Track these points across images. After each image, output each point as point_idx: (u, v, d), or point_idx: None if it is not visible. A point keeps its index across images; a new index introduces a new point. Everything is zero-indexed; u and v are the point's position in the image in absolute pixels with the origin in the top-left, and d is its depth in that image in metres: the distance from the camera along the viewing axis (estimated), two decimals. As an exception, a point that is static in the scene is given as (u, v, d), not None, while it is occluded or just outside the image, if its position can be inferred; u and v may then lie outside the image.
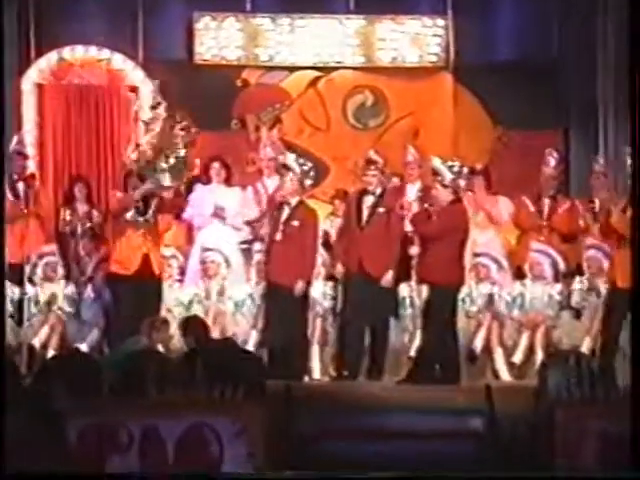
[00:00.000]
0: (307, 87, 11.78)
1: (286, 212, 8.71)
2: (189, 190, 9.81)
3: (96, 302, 9.20)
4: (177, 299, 9.23)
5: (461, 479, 6.39)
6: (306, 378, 8.68)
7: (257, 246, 9.45)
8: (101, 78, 11.03)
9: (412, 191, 9.46)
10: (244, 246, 9.72)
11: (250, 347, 8.76)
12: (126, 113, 10.95)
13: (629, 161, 8.45)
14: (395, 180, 9.59)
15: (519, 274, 9.42)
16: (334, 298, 9.05)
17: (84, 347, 8.84)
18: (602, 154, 10.79)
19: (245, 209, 9.77)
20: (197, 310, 9.01)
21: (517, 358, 8.99)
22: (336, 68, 11.75)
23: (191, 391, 6.29)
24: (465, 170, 8.70)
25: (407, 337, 9.05)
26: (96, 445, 6.21)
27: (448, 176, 8.44)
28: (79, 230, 9.84)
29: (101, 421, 6.23)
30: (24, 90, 10.78)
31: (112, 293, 8.90)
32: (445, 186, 8.43)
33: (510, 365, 8.97)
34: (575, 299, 9.13)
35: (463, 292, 8.84)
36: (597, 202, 9.55)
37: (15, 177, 9.61)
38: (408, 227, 8.89)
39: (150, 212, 8.85)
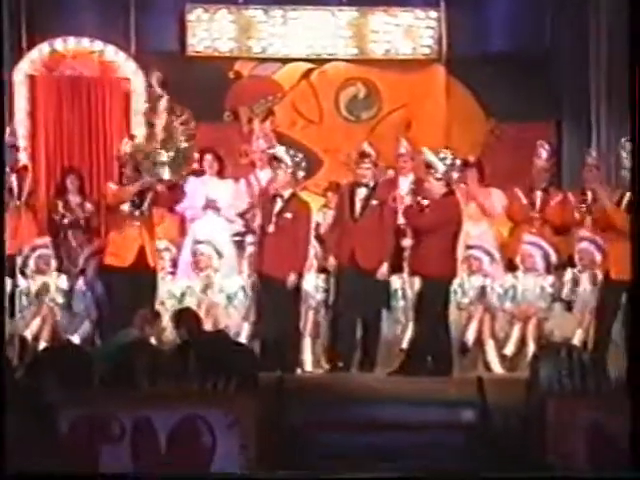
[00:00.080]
0: (300, 79, 11.77)
1: (279, 204, 8.71)
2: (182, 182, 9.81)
3: (88, 294, 9.19)
4: (169, 291, 9.23)
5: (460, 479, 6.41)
6: (298, 370, 8.68)
7: (250, 238, 9.45)
8: (93, 70, 11.00)
9: (405, 183, 9.46)
10: (237, 238, 9.72)
11: (242, 339, 8.76)
12: (118, 104, 10.93)
13: (624, 155, 8.47)
14: (390, 172, 9.60)
15: (511, 266, 9.43)
16: (326, 290, 9.06)
17: (76, 339, 8.84)
18: (595, 146, 10.80)
19: (238, 201, 9.77)
20: (189, 302, 9.01)
21: (509, 350, 9.01)
22: (329, 60, 11.73)
23: (184, 383, 6.29)
24: (458, 162, 8.70)
25: (399, 329, 9.05)
26: (88, 437, 6.21)
27: (441, 168, 8.44)
28: (71, 222, 9.83)
29: (93, 413, 6.23)
30: (15, 81, 10.74)
31: (107, 285, 8.89)
32: (438, 178, 8.43)
33: (502, 357, 8.98)
34: (567, 291, 9.14)
35: (455, 284, 8.85)
36: (589, 194, 9.56)
37: (7, 169, 9.58)
38: (401, 219, 8.89)
39: (145, 205, 8.84)
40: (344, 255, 8.65)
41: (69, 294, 9.22)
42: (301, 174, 8.98)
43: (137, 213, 8.80)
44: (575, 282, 9.12)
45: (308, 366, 8.86)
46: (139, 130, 10.36)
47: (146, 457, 6.23)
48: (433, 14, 11.66)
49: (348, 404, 7.50)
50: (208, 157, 9.90)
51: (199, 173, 9.90)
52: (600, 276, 8.81)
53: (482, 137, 11.58)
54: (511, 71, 11.39)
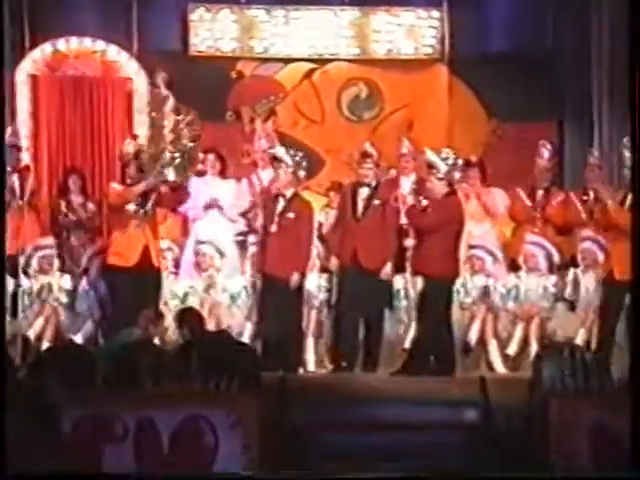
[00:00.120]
0: (302, 79, 11.77)
1: (281, 204, 8.71)
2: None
3: (91, 294, 9.20)
4: (172, 291, 9.23)
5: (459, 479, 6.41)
6: (301, 370, 8.68)
7: (252, 238, 9.46)
8: (95, 69, 11.00)
9: (407, 183, 9.46)
10: (239, 238, 9.72)
11: (245, 339, 8.76)
12: (121, 104, 10.94)
13: (626, 154, 8.46)
14: (393, 172, 9.61)
15: (514, 266, 9.43)
16: (329, 290, 9.06)
17: (79, 339, 8.85)
18: (597, 146, 10.80)
19: (240, 201, 9.77)
20: (192, 302, 9.01)
21: (511, 350, 9.01)
22: (331, 60, 11.74)
23: (186, 383, 6.30)
24: (460, 162, 8.70)
25: (402, 329, 9.05)
26: (91, 437, 6.21)
27: (443, 168, 8.44)
28: (74, 222, 9.84)
29: (96, 413, 6.23)
30: (18, 81, 10.74)
31: (111, 285, 8.89)
32: (440, 178, 8.43)
33: (504, 357, 8.99)
34: (569, 291, 9.13)
35: (458, 284, 8.85)
36: (592, 194, 9.56)
37: (9, 169, 9.59)
38: (403, 219, 8.89)
39: (149, 204, 8.84)
40: (346, 255, 8.65)
41: (72, 294, 9.23)
42: (302, 173, 8.98)
43: (141, 213, 8.81)
44: (578, 282, 9.11)
45: (311, 366, 8.87)
46: (142, 130, 10.39)
47: (149, 457, 6.23)
48: (435, 14, 11.66)
49: (351, 404, 7.50)
50: (210, 157, 9.91)
51: (201, 173, 9.91)
52: (603, 276, 8.82)
53: (484, 137, 11.58)
54: (513, 71, 11.39)
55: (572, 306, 9.13)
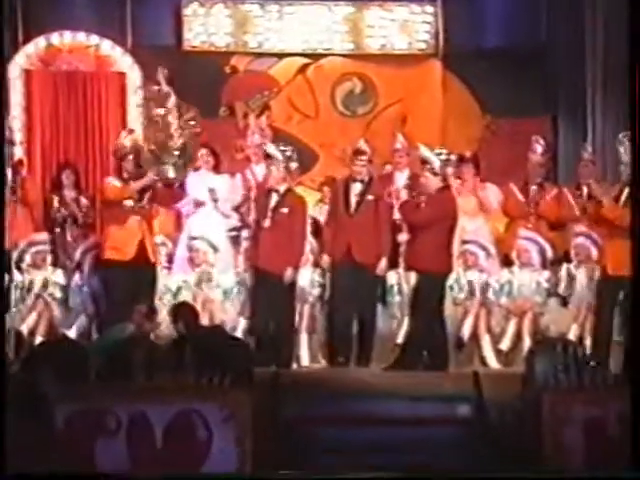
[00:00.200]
0: (296, 74, 11.76)
1: (274, 199, 8.70)
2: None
3: (85, 289, 9.19)
4: (165, 286, 9.22)
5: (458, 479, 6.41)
6: (294, 365, 8.68)
7: (246, 233, 9.45)
8: (89, 64, 10.99)
9: (401, 179, 9.46)
10: (233, 233, 9.71)
11: (238, 334, 8.75)
12: (114, 99, 10.92)
13: (622, 150, 8.46)
14: (388, 168, 9.62)
15: (507, 261, 9.43)
16: (322, 285, 9.05)
17: (72, 334, 8.83)
18: (590, 141, 10.80)
19: (233, 196, 9.77)
20: (185, 297, 9.00)
21: (504, 345, 9.01)
22: (325, 55, 11.73)
23: (179, 377, 6.30)
24: (453, 157, 8.71)
25: (395, 324, 9.05)
26: (84, 431, 6.21)
27: (437, 163, 8.44)
28: (67, 217, 9.83)
29: (89, 407, 6.24)
30: (11, 76, 10.73)
31: (106, 280, 8.88)
32: (434, 173, 8.43)
33: (498, 352, 8.99)
34: (562, 286, 9.14)
35: (451, 279, 8.85)
36: (585, 190, 9.57)
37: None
38: (397, 214, 8.89)
39: (145, 199, 8.84)
40: (340, 250, 8.64)
41: (65, 289, 9.21)
42: (293, 166, 8.97)
43: (137, 207, 8.80)
44: (571, 277, 9.12)
45: (304, 361, 8.86)
46: (137, 125, 10.37)
47: (142, 451, 6.23)
48: (429, 9, 11.66)
49: (343, 399, 7.50)
50: (203, 152, 9.90)
51: (196, 168, 9.90)
52: (596, 271, 8.82)
53: (478, 132, 11.58)
54: (507, 66, 11.39)
55: (565, 301, 9.13)
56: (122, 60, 11.00)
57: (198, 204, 9.76)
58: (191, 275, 9.25)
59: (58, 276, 9.26)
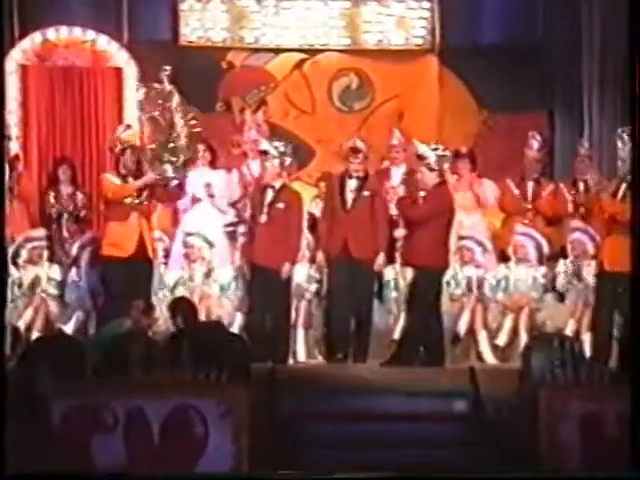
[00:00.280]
0: (292, 69, 11.75)
1: (270, 195, 8.70)
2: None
3: (81, 284, 9.19)
4: (162, 282, 9.21)
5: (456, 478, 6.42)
6: (291, 361, 8.68)
7: (242, 229, 9.44)
8: (86, 59, 10.96)
9: (397, 174, 9.46)
10: (229, 229, 9.71)
11: (235, 330, 8.76)
12: (111, 94, 10.90)
13: (620, 145, 8.47)
14: (386, 163, 9.61)
15: (503, 257, 9.44)
16: (319, 281, 9.05)
17: (69, 329, 8.83)
18: (587, 137, 10.81)
19: (230, 192, 9.76)
20: (182, 293, 8.99)
21: (501, 341, 9.02)
22: (321, 50, 11.71)
23: (176, 373, 6.30)
24: (448, 153, 8.71)
25: (391, 320, 9.05)
26: (81, 427, 6.21)
27: (432, 159, 8.43)
28: (63, 212, 9.82)
29: (85, 403, 6.23)
30: (7, 71, 10.70)
31: (105, 276, 8.87)
32: (430, 169, 8.43)
33: (494, 347, 8.99)
34: (559, 282, 9.15)
35: (448, 275, 8.85)
36: (581, 185, 9.58)
37: (-1, 158, 9.56)
38: (393, 210, 8.89)
39: (144, 196, 8.83)
40: (337, 246, 8.64)
41: (62, 284, 9.21)
42: (288, 161, 8.97)
43: (136, 203, 8.79)
44: (567, 273, 9.12)
45: (301, 357, 8.87)
46: (136, 121, 10.34)
47: (139, 446, 6.24)
48: (426, 4, 11.63)
49: (340, 395, 7.51)
50: (200, 147, 9.89)
51: (194, 166, 9.90)
52: (593, 267, 8.83)
53: (475, 128, 11.57)
54: (504, 62, 11.38)
55: (562, 297, 9.14)
56: (118, 55, 10.97)
57: (195, 200, 9.76)
58: (187, 271, 9.25)
59: (54, 272, 9.26)
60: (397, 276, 9.09)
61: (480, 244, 9.32)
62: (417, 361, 8.28)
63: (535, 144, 9.84)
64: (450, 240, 8.67)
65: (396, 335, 8.82)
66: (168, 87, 10.01)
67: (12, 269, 9.15)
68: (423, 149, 8.53)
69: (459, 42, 11.55)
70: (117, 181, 8.88)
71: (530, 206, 9.72)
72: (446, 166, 8.93)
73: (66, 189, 9.93)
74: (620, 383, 6.38)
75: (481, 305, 9.11)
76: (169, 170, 9.08)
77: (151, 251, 8.83)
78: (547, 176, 10.19)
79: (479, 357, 8.96)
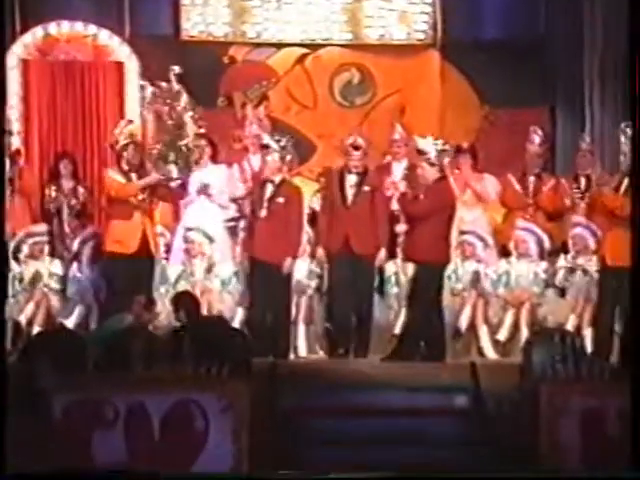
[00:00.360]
0: (294, 64, 11.74)
1: (270, 189, 8.69)
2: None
3: (83, 279, 9.19)
4: (163, 277, 9.20)
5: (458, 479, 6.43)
6: (292, 356, 8.68)
7: (243, 224, 9.44)
8: (87, 54, 10.96)
9: (399, 169, 9.45)
10: (230, 224, 9.70)
11: (236, 325, 8.76)
12: (112, 89, 10.90)
13: (623, 140, 8.46)
14: (388, 158, 9.61)
15: (505, 252, 9.43)
16: (320, 276, 9.05)
17: (70, 324, 8.83)
18: (588, 132, 10.80)
19: (231, 186, 9.76)
20: (183, 287, 8.99)
21: (502, 336, 9.02)
22: (323, 45, 11.71)
23: (177, 367, 6.31)
24: (449, 147, 8.71)
25: (392, 315, 9.05)
26: (81, 421, 6.21)
27: (432, 153, 8.43)
28: (64, 207, 9.82)
29: (87, 397, 6.24)
30: (9, 65, 10.69)
31: (107, 271, 8.87)
32: (431, 164, 8.42)
33: (495, 343, 8.99)
34: (560, 277, 9.14)
35: (449, 270, 8.85)
36: (583, 180, 9.57)
37: (-1, 153, 9.56)
38: (395, 205, 8.88)
39: (146, 193, 8.83)
40: (338, 241, 8.63)
41: (63, 279, 9.21)
42: (289, 157, 8.97)
43: (139, 200, 8.80)
44: (569, 268, 9.12)
45: (302, 352, 8.87)
46: (138, 117, 10.34)
47: (139, 441, 6.24)
48: (428, -1, 11.64)
49: (341, 390, 7.51)
50: (202, 142, 9.89)
51: (197, 164, 9.89)
52: (594, 262, 8.83)
53: (476, 123, 11.57)
54: (506, 57, 11.38)
55: (563, 292, 9.14)
56: (120, 50, 10.97)
57: (196, 194, 9.75)
58: (188, 265, 9.25)
59: (56, 266, 9.26)
60: (398, 271, 9.09)
61: (481, 239, 9.31)
62: (418, 356, 8.28)
63: (537, 139, 9.83)
64: (451, 235, 8.66)
65: (397, 330, 8.81)
66: (176, 87, 10.01)
67: (13, 264, 9.15)
68: (423, 144, 8.52)
69: (461, 37, 11.55)
70: (120, 178, 8.87)
71: (531, 201, 9.71)
72: (447, 161, 8.92)
73: (67, 184, 9.93)
74: (621, 379, 6.38)
75: (482, 300, 9.11)
76: (174, 171, 9.10)
77: (153, 247, 8.84)
78: (548, 171, 10.19)
79: (480, 352, 8.96)
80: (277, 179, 8.72)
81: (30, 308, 9.05)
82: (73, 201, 9.86)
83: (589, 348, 8.12)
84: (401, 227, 8.83)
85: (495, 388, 7.26)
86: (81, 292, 9.15)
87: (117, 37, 11.00)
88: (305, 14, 11.64)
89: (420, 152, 8.52)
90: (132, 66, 10.86)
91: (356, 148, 8.75)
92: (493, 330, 9.04)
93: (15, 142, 10.18)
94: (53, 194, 9.86)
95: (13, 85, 10.71)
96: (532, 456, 6.50)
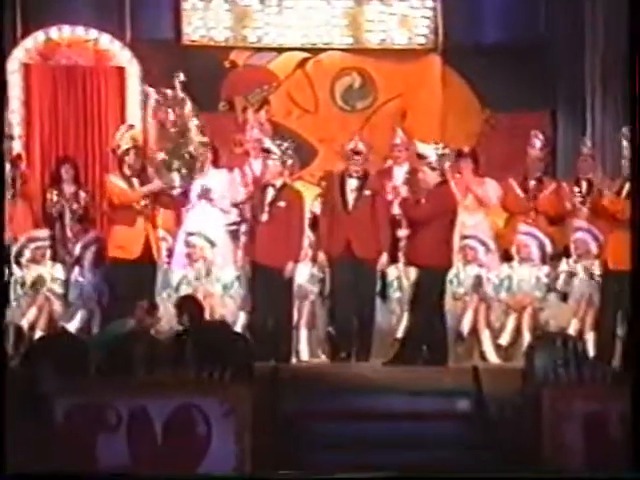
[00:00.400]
0: (295, 68, 11.75)
1: (271, 194, 8.69)
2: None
3: (85, 283, 9.19)
4: (165, 281, 9.21)
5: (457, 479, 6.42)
6: (294, 360, 8.68)
7: (245, 228, 9.44)
8: (88, 58, 10.97)
9: (400, 173, 9.46)
10: (232, 228, 9.71)
11: (238, 329, 8.75)
12: (113, 93, 10.91)
13: (625, 144, 8.46)
14: (390, 162, 9.61)
15: (506, 256, 9.43)
16: (322, 280, 9.05)
17: (72, 328, 8.83)
18: (589, 136, 10.80)
19: (232, 191, 9.76)
20: (185, 292, 8.99)
21: (504, 340, 9.01)
22: (324, 49, 11.72)
23: (180, 372, 6.30)
24: (449, 152, 8.72)
25: (394, 319, 9.05)
26: (84, 426, 6.21)
27: (433, 157, 8.43)
28: (66, 211, 9.83)
29: (89, 401, 6.24)
30: (10, 70, 10.71)
31: (110, 277, 8.87)
32: (432, 168, 8.42)
33: (497, 347, 8.99)
34: (562, 281, 9.14)
35: (451, 274, 8.85)
36: (584, 184, 9.57)
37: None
38: (396, 210, 8.88)
39: (149, 199, 8.84)
40: (339, 245, 8.63)
41: (65, 283, 9.21)
42: (290, 161, 8.97)
43: (142, 205, 8.80)
44: (570, 272, 9.12)
45: (304, 356, 8.87)
46: (139, 121, 10.35)
47: (142, 445, 6.24)
48: (429, 3, 11.64)
49: (343, 394, 7.51)
50: (204, 149, 9.90)
51: (201, 172, 9.91)
52: (596, 266, 8.83)
53: (477, 127, 11.57)
54: (507, 61, 11.38)
55: (565, 296, 9.14)
56: (121, 54, 10.98)
57: (197, 198, 9.75)
58: (190, 270, 9.25)
59: (58, 271, 9.26)
60: (400, 275, 9.09)
61: (483, 243, 9.32)
62: (420, 360, 8.27)
63: (538, 143, 9.84)
64: (453, 239, 8.66)
65: (399, 334, 8.81)
66: (181, 94, 10.02)
67: (15, 268, 9.15)
68: (424, 148, 8.53)
69: (462, 41, 11.55)
70: (122, 184, 8.87)
71: (533, 205, 9.71)
72: (448, 165, 8.92)
73: (69, 188, 9.94)
74: (623, 383, 6.38)
75: (484, 304, 9.11)
76: (177, 180, 9.11)
77: (156, 252, 8.84)
78: (550, 175, 10.19)
79: (482, 356, 8.96)
80: (278, 183, 8.72)
81: (32, 312, 9.05)
82: (75, 206, 9.86)
83: (591, 352, 8.13)
84: (403, 231, 8.83)
85: (497, 392, 7.26)
86: (83, 296, 9.15)
87: (118, 42, 11.00)
88: (306, 18, 11.64)
89: (421, 156, 8.52)
90: (133, 71, 10.88)
91: (357, 152, 8.76)
92: (495, 334, 9.04)
93: (17, 146, 10.19)
94: (55, 198, 9.86)
95: (14, 89, 10.72)
96: (535, 460, 6.50)
